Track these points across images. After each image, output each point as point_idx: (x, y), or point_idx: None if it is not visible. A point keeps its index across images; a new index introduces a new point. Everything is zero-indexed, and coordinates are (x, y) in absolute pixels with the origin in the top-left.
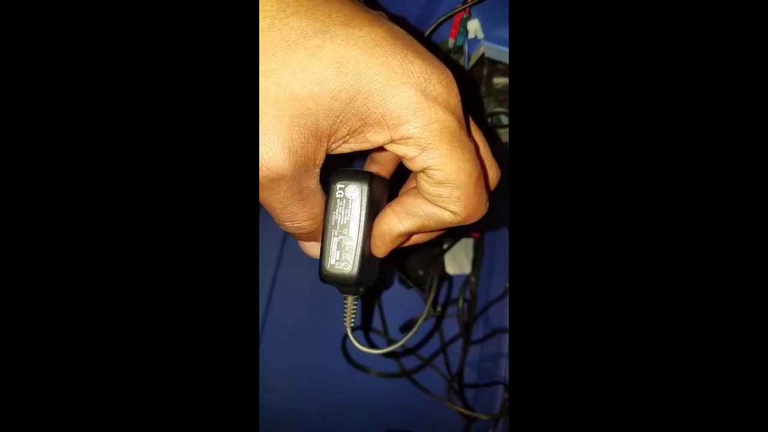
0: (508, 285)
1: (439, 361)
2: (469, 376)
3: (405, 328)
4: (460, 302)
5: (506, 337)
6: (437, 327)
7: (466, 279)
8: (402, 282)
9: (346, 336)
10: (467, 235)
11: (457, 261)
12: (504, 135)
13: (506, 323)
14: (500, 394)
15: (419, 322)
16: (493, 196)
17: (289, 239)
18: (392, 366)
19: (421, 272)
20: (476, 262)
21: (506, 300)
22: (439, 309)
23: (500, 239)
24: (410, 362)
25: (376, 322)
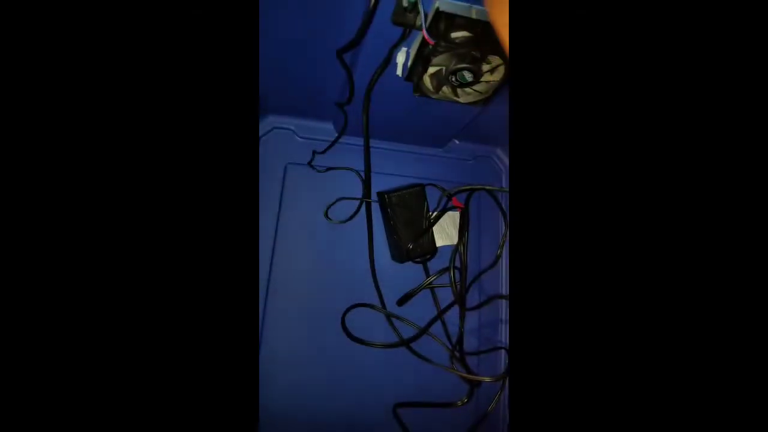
0: (498, 252)
1: (440, 330)
2: (470, 343)
3: (401, 301)
4: (451, 271)
5: (502, 303)
6: (434, 297)
7: (455, 248)
8: (394, 258)
9: (345, 312)
10: (453, 209)
11: (446, 233)
12: (469, 95)
13: (501, 290)
14: (502, 358)
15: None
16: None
17: (284, 217)
18: (392, 338)
19: (410, 246)
20: (462, 231)
21: (498, 267)
22: (433, 277)
23: (486, 207)
24: (410, 334)
25: (373, 299)
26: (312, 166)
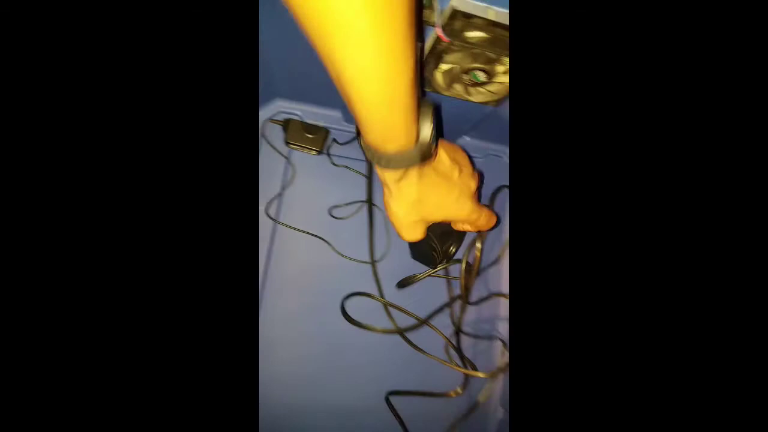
0: (500, 251)
1: (438, 321)
2: (467, 336)
3: (402, 284)
4: (463, 264)
5: (502, 300)
6: (449, 286)
7: (471, 242)
8: (415, 257)
9: (345, 298)
10: None
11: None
12: (481, 94)
13: (502, 287)
14: (497, 353)
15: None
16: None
17: (284, 204)
18: (391, 326)
19: (453, 249)
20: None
21: (501, 264)
22: (441, 267)
23: (499, 206)
24: (408, 323)
25: (372, 288)
26: (329, 155)
